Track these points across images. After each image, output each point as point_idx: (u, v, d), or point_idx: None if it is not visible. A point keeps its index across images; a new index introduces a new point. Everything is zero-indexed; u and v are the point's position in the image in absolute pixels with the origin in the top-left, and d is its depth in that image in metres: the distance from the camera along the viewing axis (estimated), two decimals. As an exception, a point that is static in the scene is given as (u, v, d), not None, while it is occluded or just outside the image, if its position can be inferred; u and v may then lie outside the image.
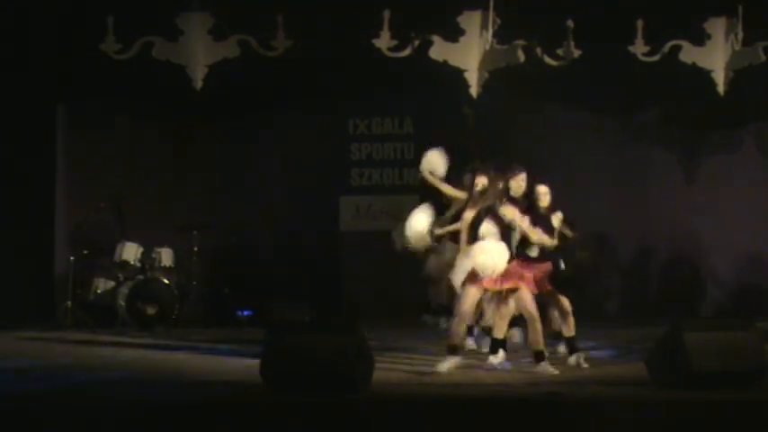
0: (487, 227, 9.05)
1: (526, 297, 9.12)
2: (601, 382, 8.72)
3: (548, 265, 9.61)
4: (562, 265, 9.64)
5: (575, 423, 7.53)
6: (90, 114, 13.43)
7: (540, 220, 9.59)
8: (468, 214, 9.17)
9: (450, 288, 9.70)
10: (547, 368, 9.11)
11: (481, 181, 9.42)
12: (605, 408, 7.76)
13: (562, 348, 9.91)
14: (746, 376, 8.19)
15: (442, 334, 10.37)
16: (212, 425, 7.59)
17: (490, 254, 8.89)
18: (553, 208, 9.70)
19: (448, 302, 10.92)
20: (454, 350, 9.12)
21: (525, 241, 9.54)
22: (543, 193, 9.68)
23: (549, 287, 9.59)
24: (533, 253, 9.56)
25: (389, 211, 13.79)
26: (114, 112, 13.33)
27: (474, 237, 9.08)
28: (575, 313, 9.62)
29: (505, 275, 9.08)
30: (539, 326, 9.17)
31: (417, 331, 11.68)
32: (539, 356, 9.18)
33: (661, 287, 13.57)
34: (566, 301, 9.62)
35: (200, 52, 11.03)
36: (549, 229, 9.63)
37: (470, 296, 9.07)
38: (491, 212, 9.08)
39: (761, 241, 13.39)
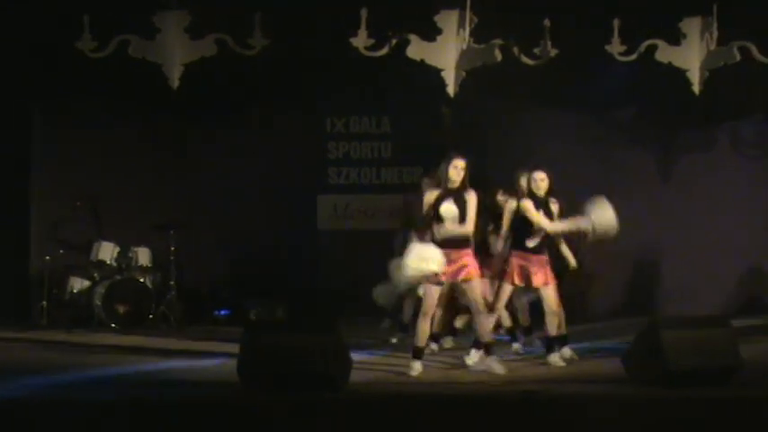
0: (449, 207, 9.05)
1: (476, 288, 9.10)
2: (578, 380, 8.75)
3: (543, 259, 9.59)
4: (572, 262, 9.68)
5: (551, 421, 7.56)
6: (66, 113, 13.37)
7: (538, 207, 9.59)
8: (431, 196, 9.14)
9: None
10: (492, 364, 9.08)
11: (460, 164, 9.17)
12: (582, 405, 7.78)
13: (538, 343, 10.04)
14: (721, 374, 8.25)
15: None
16: (189, 424, 7.58)
17: (425, 259, 8.88)
18: (552, 195, 9.68)
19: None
20: (419, 353, 9.11)
21: (522, 232, 9.53)
22: (539, 180, 9.66)
23: (541, 282, 9.57)
24: (531, 244, 9.55)
25: (367, 210, 13.82)
26: (90, 110, 13.27)
27: (436, 215, 9.04)
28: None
29: (460, 268, 9.05)
30: (484, 318, 9.17)
31: (393, 330, 11.69)
32: (488, 349, 9.17)
33: (637, 285, 13.61)
34: (554, 300, 9.61)
35: (176, 51, 10.96)
36: (548, 216, 9.62)
37: (431, 294, 9.08)
38: (455, 195, 9.06)
39: (736, 238, 13.46)
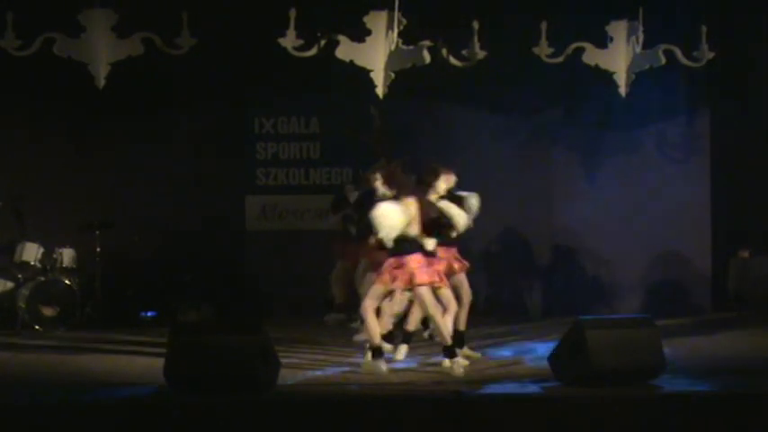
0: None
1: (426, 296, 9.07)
2: (506, 380, 8.80)
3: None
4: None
5: (478, 421, 7.60)
6: (-12, 112, 13.16)
7: None
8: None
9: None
10: (454, 367, 9.06)
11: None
12: (509, 406, 7.84)
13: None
14: (646, 373, 8.35)
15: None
16: (115, 426, 7.52)
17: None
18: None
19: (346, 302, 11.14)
20: (450, 352, 9.09)
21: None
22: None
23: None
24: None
25: (296, 211, 13.79)
26: (14, 109, 13.09)
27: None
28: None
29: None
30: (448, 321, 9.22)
31: (323, 330, 11.69)
32: (448, 351, 9.16)
33: (564, 285, 13.74)
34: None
35: (102, 50, 10.85)
36: None
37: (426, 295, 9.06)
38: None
39: (660, 241, 13.64)
